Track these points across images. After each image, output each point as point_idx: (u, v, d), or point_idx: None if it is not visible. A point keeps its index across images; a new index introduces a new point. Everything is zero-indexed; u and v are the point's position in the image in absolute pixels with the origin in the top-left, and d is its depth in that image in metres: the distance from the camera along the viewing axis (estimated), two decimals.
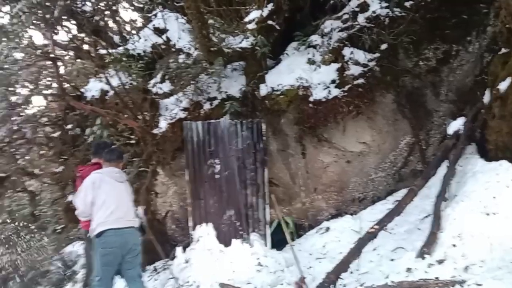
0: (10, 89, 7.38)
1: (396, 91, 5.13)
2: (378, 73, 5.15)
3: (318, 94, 5.11)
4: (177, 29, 6.69)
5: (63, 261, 6.97)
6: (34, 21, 6.55)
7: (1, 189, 7.91)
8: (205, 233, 4.94)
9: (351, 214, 4.89)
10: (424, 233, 3.88)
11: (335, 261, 4.20)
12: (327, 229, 4.81)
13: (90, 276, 4.50)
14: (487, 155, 4.18)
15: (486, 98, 4.32)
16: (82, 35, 7.64)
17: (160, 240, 5.42)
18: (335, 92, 5.09)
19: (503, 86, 4.09)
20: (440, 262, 3.60)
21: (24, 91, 8.02)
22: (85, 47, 7.97)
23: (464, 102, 4.73)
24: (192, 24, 5.79)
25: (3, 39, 6.35)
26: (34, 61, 6.69)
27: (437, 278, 3.38)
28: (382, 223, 4.21)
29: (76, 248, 7.22)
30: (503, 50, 4.33)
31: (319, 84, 5.19)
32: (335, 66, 5.29)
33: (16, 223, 7.84)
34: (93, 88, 6.66)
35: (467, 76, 4.89)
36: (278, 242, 4.99)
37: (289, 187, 5.30)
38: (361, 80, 5.12)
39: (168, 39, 6.64)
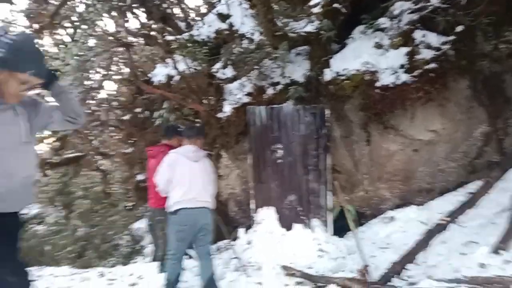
0: (85, 74, 7.98)
1: (472, 76, 4.83)
2: (452, 57, 4.87)
3: (386, 79, 4.97)
4: (240, 15, 6.80)
5: (132, 236, 7.51)
6: (108, 9, 7.00)
7: (77, 167, 8.66)
8: (267, 216, 5.08)
9: (417, 205, 4.75)
10: (499, 228, 3.71)
11: (399, 251, 4.15)
12: (392, 218, 4.73)
13: (157, 251, 4.82)
14: None
15: None
16: (151, 22, 8.00)
17: (223, 221, 5.66)
18: (404, 77, 4.91)
19: None
20: None
21: (97, 76, 8.64)
22: (153, 34, 8.36)
23: None
24: (257, 9, 5.86)
25: (82, 26, 6.85)
26: (109, 48, 7.14)
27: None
28: (453, 215, 4.06)
29: (143, 225, 7.73)
30: None
31: (386, 69, 5.03)
32: (405, 50, 5.08)
33: (90, 200, 8.54)
34: (159, 73, 7.01)
35: None
36: (339, 229, 5.00)
37: (351, 174, 5.25)
38: (433, 65, 4.88)
39: (231, 25, 6.78)
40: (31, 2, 7.42)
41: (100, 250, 7.32)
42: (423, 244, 3.96)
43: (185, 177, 3.68)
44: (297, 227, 4.87)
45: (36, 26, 7.43)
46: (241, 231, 5.14)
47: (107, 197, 8.16)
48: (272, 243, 4.80)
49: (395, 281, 3.77)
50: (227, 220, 5.84)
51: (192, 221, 3.65)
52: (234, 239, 5.26)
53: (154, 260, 5.02)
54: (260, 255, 4.77)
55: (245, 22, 6.77)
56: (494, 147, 4.64)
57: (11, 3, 5.63)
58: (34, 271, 4.89)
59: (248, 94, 5.83)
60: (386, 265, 3.98)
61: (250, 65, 5.93)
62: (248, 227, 5.17)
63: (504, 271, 3.33)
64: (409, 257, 3.93)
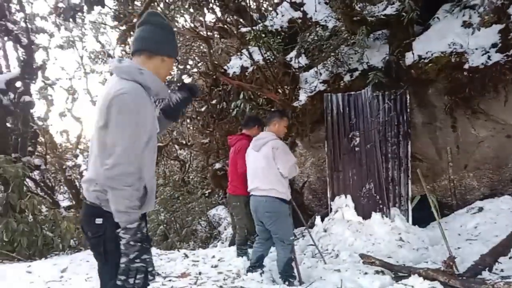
0: None
1: None
2: None
3: (475, 60, 4.68)
4: (314, 2, 6.82)
5: (208, 222, 7.94)
6: (187, 6, 7.42)
7: (158, 157, 9.35)
8: (343, 204, 5.10)
9: (510, 195, 4.43)
10: None
11: (489, 244, 3.93)
12: (480, 209, 4.48)
13: (235, 236, 5.07)
14: None
15: None
16: (226, 15, 8.33)
17: (299, 208, 5.77)
18: (496, 57, 4.59)
19: None
20: None
21: (176, 71, 9.21)
22: (228, 27, 8.69)
23: None
24: None
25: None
26: (187, 43, 7.58)
27: None
28: None
29: (219, 211, 8.14)
30: None
31: (476, 49, 4.74)
32: (498, 27, 4.74)
33: (170, 187, 9.17)
34: (234, 65, 7.29)
35: None
36: (418, 219, 4.85)
37: (434, 162, 5.05)
38: None
39: (305, 13, 6.82)
40: (119, 3, 8.09)
41: (181, 234, 7.86)
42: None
43: (250, 167, 3.87)
44: (375, 216, 4.82)
45: (123, 27, 8.12)
46: (317, 219, 5.22)
47: (185, 185, 8.69)
48: (350, 231, 4.81)
49: (485, 275, 3.58)
50: (303, 208, 5.94)
51: (254, 209, 3.80)
52: (311, 226, 5.35)
53: (231, 244, 5.29)
54: (337, 243, 4.81)
55: (319, 10, 6.78)
56: None
57: (103, 5, 6.20)
58: None
59: (324, 82, 5.86)
60: (473, 258, 3.78)
61: (326, 52, 5.94)
62: (324, 215, 5.23)
63: None
64: (501, 249, 3.70)
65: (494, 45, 4.66)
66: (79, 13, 7.13)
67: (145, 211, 1.80)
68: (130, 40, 8.35)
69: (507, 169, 4.64)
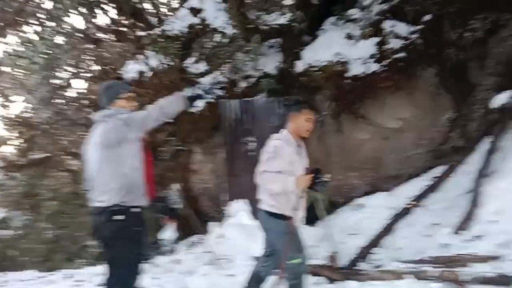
0: (53, 73, 8.06)
1: (439, 64, 5.19)
2: (420, 46, 5.22)
3: (356, 69, 5.28)
4: (213, 9, 7.05)
5: None
6: (75, 5, 7.14)
7: (45, 168, 8.71)
8: (239, 209, 5.30)
9: (386, 191, 5.06)
10: (462, 210, 4.02)
11: (368, 237, 4.43)
12: (362, 205, 5.02)
13: None
14: None
15: None
16: (121, 18, 8.16)
17: (195, 215, 5.86)
18: (374, 67, 5.23)
19: None
20: (478, 237, 3.74)
21: (65, 74, 8.73)
22: (123, 29, 8.51)
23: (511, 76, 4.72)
24: (229, 2, 6.13)
25: (49, 23, 6.99)
26: (77, 45, 7.27)
27: (473, 253, 3.53)
28: (419, 200, 4.37)
29: None
30: None
31: (357, 59, 5.34)
32: (375, 40, 5.40)
33: (59, 201, 8.57)
34: (131, 70, 7.17)
35: None
36: (312, 219, 5.23)
37: (323, 164, 5.50)
38: (401, 54, 5.21)
39: (204, 19, 7.01)
40: None
41: (69, 252, 7.40)
42: (389, 228, 4.24)
43: None
44: None
45: None
46: (213, 225, 5.34)
47: (76, 198, 8.21)
48: (244, 236, 5.01)
49: (362, 265, 4.03)
50: (200, 215, 6.04)
51: None
52: (207, 233, 5.46)
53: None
54: (232, 248, 4.98)
55: (217, 16, 7.02)
56: (458, 132, 5.00)
57: None
58: None
59: (221, 88, 6.07)
60: (355, 251, 4.25)
61: (223, 59, 6.18)
62: (220, 221, 5.38)
63: (464, 250, 3.64)
64: (376, 241, 4.20)
65: (372, 56, 5.29)
66: None
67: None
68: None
69: (384, 168, 5.28)
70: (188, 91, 2.48)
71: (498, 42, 4.95)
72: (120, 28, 8.37)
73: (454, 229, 3.84)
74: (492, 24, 5.00)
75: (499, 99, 4.44)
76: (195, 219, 5.84)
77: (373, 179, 5.24)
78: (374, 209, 4.79)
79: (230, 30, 6.63)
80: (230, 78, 6.05)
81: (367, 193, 5.20)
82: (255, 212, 5.22)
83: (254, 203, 5.30)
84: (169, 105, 2.80)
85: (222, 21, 6.84)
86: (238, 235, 5.10)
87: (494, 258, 3.44)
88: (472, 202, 3.96)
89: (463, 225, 3.82)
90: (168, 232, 5.53)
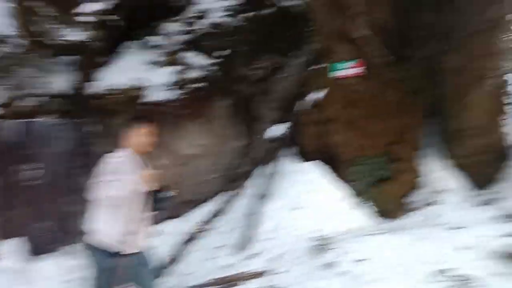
0: None
1: (233, 96, 5.65)
2: (217, 78, 5.60)
3: (154, 95, 5.31)
4: (4, 13, 6.20)
5: None
6: None
7: None
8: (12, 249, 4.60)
9: (180, 217, 5.15)
10: (245, 230, 4.36)
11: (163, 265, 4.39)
12: (160, 232, 4.97)
13: None
14: (303, 156, 4.95)
15: (304, 106, 5.14)
16: None
17: None
18: (172, 94, 5.36)
19: (317, 96, 4.97)
20: (256, 255, 4.11)
21: None
22: None
23: (287, 110, 5.48)
24: (13, 7, 5.48)
25: None
26: None
27: (249, 270, 3.86)
28: (208, 223, 4.58)
29: None
30: (319, 65, 5.25)
31: (155, 85, 5.39)
32: (174, 68, 5.57)
33: None
34: None
35: (291, 87, 5.68)
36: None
37: None
38: (201, 84, 5.50)
39: None
40: None
41: None
42: (179, 255, 4.30)
43: None
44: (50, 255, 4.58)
45: None
46: None
47: None
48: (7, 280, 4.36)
49: None
50: None
51: None
52: None
53: None
54: None
55: (10, 23, 6.19)
56: (247, 159, 5.50)
57: None
58: None
59: (1, 105, 5.29)
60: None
61: (4, 72, 5.43)
62: None
63: (243, 268, 3.95)
64: (167, 269, 4.20)
65: (171, 84, 5.41)
66: None
67: None
68: None
69: (181, 194, 5.35)
70: None
71: (277, 81, 5.70)
72: None
73: (235, 249, 4.13)
74: (273, 65, 5.74)
75: (274, 131, 5.17)
76: None
77: (177, 204, 5.28)
78: (170, 236, 4.78)
79: (18, 41, 5.92)
80: (13, 95, 5.33)
81: (165, 219, 5.18)
82: (35, 251, 4.64)
83: (32, 239, 4.69)
84: None
85: (7, 28, 6.06)
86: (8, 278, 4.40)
87: (268, 272, 3.81)
88: (252, 222, 4.35)
89: (243, 245, 4.14)
90: None
